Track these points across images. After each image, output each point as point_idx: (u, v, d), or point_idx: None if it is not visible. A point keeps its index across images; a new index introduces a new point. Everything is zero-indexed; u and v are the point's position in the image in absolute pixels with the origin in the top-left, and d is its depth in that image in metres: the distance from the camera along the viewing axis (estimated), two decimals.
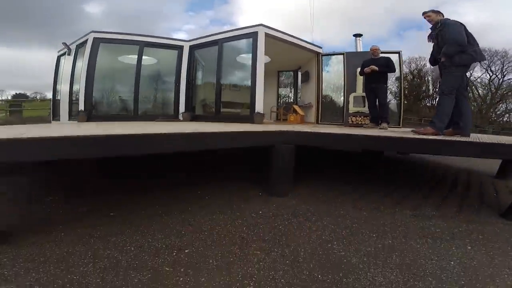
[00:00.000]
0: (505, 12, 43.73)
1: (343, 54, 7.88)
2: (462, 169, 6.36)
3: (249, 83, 6.39)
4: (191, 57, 7.59)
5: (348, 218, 3.25)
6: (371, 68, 5.58)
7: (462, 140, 3.46)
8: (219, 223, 3.01)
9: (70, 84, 7.55)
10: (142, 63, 7.33)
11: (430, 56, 4.20)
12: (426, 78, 28.34)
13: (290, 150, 3.92)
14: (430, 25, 4.06)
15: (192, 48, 7.60)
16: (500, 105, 26.81)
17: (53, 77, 8.75)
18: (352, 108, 7.51)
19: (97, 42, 6.94)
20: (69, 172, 4.96)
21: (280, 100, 11.33)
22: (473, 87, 27.17)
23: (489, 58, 26.81)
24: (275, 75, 10.99)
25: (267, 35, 6.41)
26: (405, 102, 27.09)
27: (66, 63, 7.99)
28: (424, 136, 3.69)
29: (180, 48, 7.61)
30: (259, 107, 6.19)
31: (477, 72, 27.23)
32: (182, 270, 2.11)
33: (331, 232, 2.86)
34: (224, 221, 3.08)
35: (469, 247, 2.56)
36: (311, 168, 5.89)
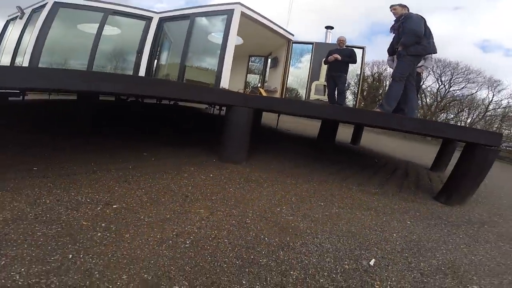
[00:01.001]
0: (467, 26, 48.00)
1: (312, 43, 7.85)
2: (403, 160, 6.85)
3: (217, 64, 5.85)
4: (159, 30, 6.85)
5: (298, 187, 3.20)
6: (334, 56, 5.68)
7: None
8: (160, 182, 2.71)
9: (12, 56, 6.33)
10: (104, 33, 6.46)
11: (389, 47, 4.28)
12: (384, 83, 29.97)
13: (249, 112, 3.71)
14: (394, 18, 4.12)
15: (162, 20, 6.84)
16: (442, 114, 29.56)
17: None
18: (313, 96, 7.54)
19: (56, 6, 5.97)
20: None
21: (249, 87, 10.96)
22: (422, 95, 29.51)
23: (441, 68, 28.88)
24: (246, 59, 10.58)
25: (243, 14, 5.91)
26: (363, 103, 28.58)
27: (14, 29, 6.72)
28: None
29: (148, 19, 6.80)
30: (224, 86, 5.82)
31: (428, 81, 29.50)
32: (103, 225, 1.81)
33: (281, 198, 2.77)
34: (168, 180, 2.78)
35: (409, 222, 2.66)
36: (267, 145, 5.80)
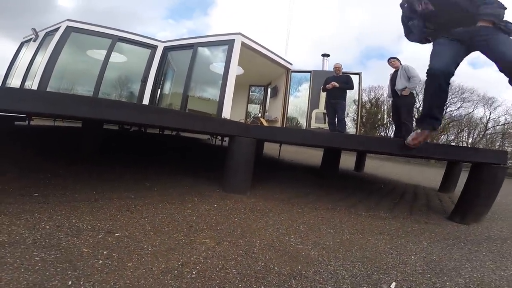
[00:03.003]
0: None
1: (310, 72, 8.09)
2: (410, 184, 6.71)
3: (218, 94, 5.97)
4: (164, 58, 7.01)
5: (305, 216, 3.09)
6: (332, 84, 5.82)
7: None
8: (164, 211, 2.63)
9: (22, 78, 6.45)
10: (111, 60, 6.63)
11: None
12: (382, 108, 30.51)
13: (251, 143, 3.70)
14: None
15: (166, 49, 7.03)
16: (442, 136, 29.62)
17: (7, 66, 7.50)
18: (313, 124, 7.61)
19: (68, 30, 6.22)
20: None
21: (250, 117, 11.12)
22: None
23: None
24: (247, 89, 10.85)
25: (243, 44, 6.16)
26: (362, 130, 28.86)
27: (28, 52, 6.92)
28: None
29: (154, 48, 6.99)
30: (226, 116, 5.91)
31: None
32: (104, 252, 1.72)
33: (288, 227, 2.65)
34: (171, 210, 2.70)
35: (425, 244, 2.53)
36: (271, 174, 5.73)
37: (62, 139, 6.82)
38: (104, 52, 6.53)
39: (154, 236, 2.06)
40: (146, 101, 6.75)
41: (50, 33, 6.50)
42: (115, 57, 6.79)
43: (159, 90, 7.09)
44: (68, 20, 6.28)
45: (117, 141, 7.52)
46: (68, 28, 6.19)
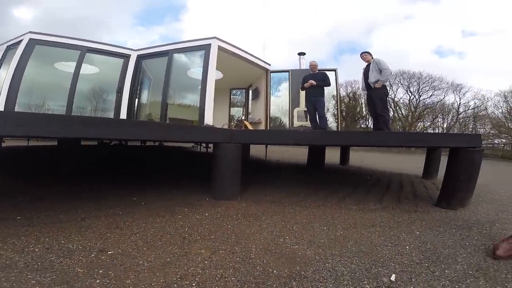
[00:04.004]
0: (421, 34, 51.94)
1: (288, 71, 8.16)
2: (394, 173, 6.89)
3: (199, 100, 5.82)
4: (138, 67, 6.72)
5: (297, 215, 3.10)
6: (310, 82, 5.90)
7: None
8: (154, 225, 2.56)
9: None
10: (82, 71, 6.28)
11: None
12: (360, 101, 31.28)
13: (236, 148, 3.66)
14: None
15: (140, 58, 6.75)
16: (419, 123, 30.76)
17: None
18: (296, 123, 7.66)
19: (32, 43, 5.85)
20: None
21: (233, 121, 11.05)
22: (397, 107, 30.91)
23: (408, 80, 30.42)
24: (228, 92, 10.75)
25: (220, 48, 6.04)
26: (344, 124, 29.46)
27: None
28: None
29: (126, 57, 6.67)
30: (208, 123, 5.80)
31: (399, 94, 31.21)
32: (100, 272, 1.66)
33: (282, 228, 2.65)
34: (162, 223, 2.63)
35: (418, 232, 2.59)
36: (259, 177, 5.73)
37: (38, 159, 6.52)
38: (73, 64, 6.20)
39: (148, 251, 2.00)
40: (123, 112, 6.48)
41: (12, 47, 6.11)
42: (86, 69, 6.47)
43: (137, 100, 6.84)
44: (31, 32, 5.93)
45: (96, 157, 7.28)
46: (31, 41, 5.84)
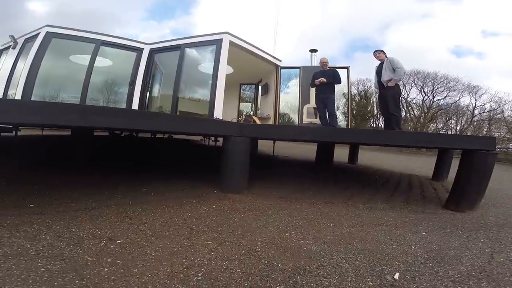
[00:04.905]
0: (439, 33, 50.63)
1: (299, 68, 8.10)
2: (403, 174, 6.82)
3: (209, 95, 5.86)
4: (150, 61, 6.83)
5: (303, 211, 3.12)
6: (320, 80, 5.78)
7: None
8: (163, 216, 2.61)
9: (4, 88, 6.18)
10: (96, 64, 6.43)
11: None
12: (371, 100, 30.75)
13: (245, 142, 3.70)
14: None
15: (153, 52, 6.85)
16: (431, 124, 30.11)
17: None
18: (305, 119, 7.62)
19: (49, 36, 5.98)
20: None
21: (242, 115, 11.08)
22: (409, 107, 30.32)
23: (422, 80, 29.75)
24: (237, 87, 10.74)
25: (231, 43, 6.04)
26: (354, 122, 29.09)
27: (7, 60, 6.64)
28: None
29: (139, 50, 6.77)
30: (218, 117, 5.69)
31: (413, 94, 30.58)
32: (109, 260, 1.71)
33: (288, 223, 2.67)
34: (170, 214, 2.69)
35: (424, 233, 2.58)
36: (267, 172, 5.75)
37: (51, 148, 6.70)
38: (88, 57, 6.36)
39: (156, 241, 2.05)
40: (135, 104, 6.61)
41: (29, 40, 6.30)
42: (100, 62, 6.62)
43: (148, 93, 6.94)
44: (48, 25, 6.09)
45: (108, 148, 7.42)
46: (48, 34, 6.01)
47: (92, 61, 6.34)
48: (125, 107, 6.67)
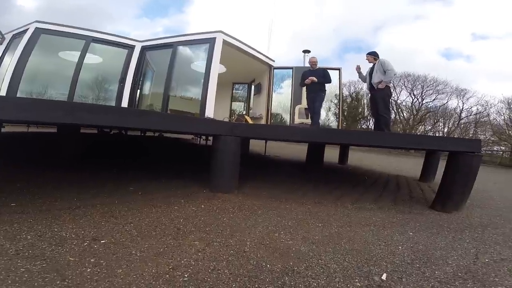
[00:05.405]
0: (430, 35, 51.54)
1: (292, 68, 8.10)
2: (392, 175, 6.91)
3: (201, 93, 5.77)
4: (142, 58, 6.71)
5: (293, 211, 3.12)
6: (310, 79, 5.71)
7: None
8: (150, 215, 2.57)
9: None
10: (85, 61, 6.28)
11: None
12: (362, 101, 31.21)
13: (236, 141, 3.67)
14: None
15: (144, 49, 6.73)
16: (420, 126, 30.67)
17: None
18: (297, 120, 7.64)
19: (38, 32, 5.83)
20: None
21: (234, 115, 11.01)
22: (399, 109, 30.85)
23: (412, 82, 30.32)
24: (230, 87, 10.65)
25: (225, 42, 5.97)
26: (345, 123, 29.34)
27: None
28: None
29: (131, 48, 6.65)
30: (209, 115, 5.60)
31: (402, 96, 31.11)
32: (92, 260, 1.67)
33: (277, 223, 2.66)
34: (157, 213, 2.64)
35: (411, 233, 2.61)
36: (257, 171, 5.73)
37: (37, 145, 6.51)
38: (77, 54, 6.20)
39: (142, 241, 2.01)
40: (125, 102, 6.47)
41: (17, 36, 6.14)
42: (90, 59, 6.48)
43: (139, 90, 6.82)
44: (37, 21, 5.94)
45: (96, 145, 7.27)
46: (37, 30, 5.85)
47: (82, 58, 6.19)
48: (114, 104, 6.55)
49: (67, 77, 6.09)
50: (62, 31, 6.13)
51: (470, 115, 28.73)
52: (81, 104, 3.28)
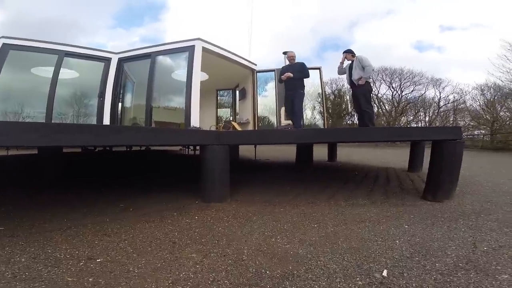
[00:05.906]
0: (402, 29, 53.11)
1: (274, 70, 8.14)
2: (381, 167, 7.03)
3: (184, 103, 5.69)
4: (120, 71, 6.56)
5: (287, 214, 3.10)
6: (286, 75, 5.40)
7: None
8: (143, 231, 2.50)
9: None
10: (60, 76, 6.08)
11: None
12: (345, 98, 31.88)
13: (224, 150, 3.63)
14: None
15: (122, 61, 6.59)
16: (402, 117, 31.50)
17: None
18: (283, 122, 7.67)
19: (6, 48, 5.62)
20: None
21: (221, 122, 10.92)
22: (380, 103, 31.73)
23: (390, 75, 31.37)
24: (214, 94, 10.52)
25: (204, 49, 5.93)
26: (330, 120, 29.80)
27: None
28: None
29: (107, 60, 6.50)
30: (195, 125, 5.53)
31: (382, 90, 32.07)
32: (90, 279, 1.63)
33: (273, 228, 2.64)
34: (151, 229, 2.58)
35: (406, 226, 2.63)
36: (248, 177, 5.71)
37: (18, 168, 6.28)
38: (51, 69, 6.00)
39: (138, 257, 1.96)
40: (106, 117, 6.32)
41: None
42: (65, 74, 6.29)
43: (120, 104, 6.68)
44: (4, 37, 5.72)
45: (81, 164, 7.08)
46: (5, 46, 5.63)
47: (56, 73, 5.99)
48: (95, 120, 6.38)
49: (43, 94, 5.89)
50: (32, 46, 5.92)
51: (448, 103, 29.95)
52: (57, 124, 3.16)
